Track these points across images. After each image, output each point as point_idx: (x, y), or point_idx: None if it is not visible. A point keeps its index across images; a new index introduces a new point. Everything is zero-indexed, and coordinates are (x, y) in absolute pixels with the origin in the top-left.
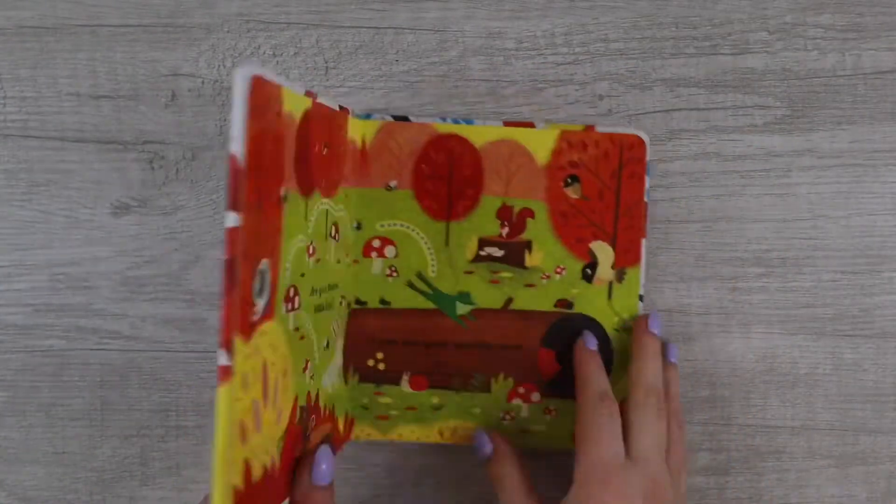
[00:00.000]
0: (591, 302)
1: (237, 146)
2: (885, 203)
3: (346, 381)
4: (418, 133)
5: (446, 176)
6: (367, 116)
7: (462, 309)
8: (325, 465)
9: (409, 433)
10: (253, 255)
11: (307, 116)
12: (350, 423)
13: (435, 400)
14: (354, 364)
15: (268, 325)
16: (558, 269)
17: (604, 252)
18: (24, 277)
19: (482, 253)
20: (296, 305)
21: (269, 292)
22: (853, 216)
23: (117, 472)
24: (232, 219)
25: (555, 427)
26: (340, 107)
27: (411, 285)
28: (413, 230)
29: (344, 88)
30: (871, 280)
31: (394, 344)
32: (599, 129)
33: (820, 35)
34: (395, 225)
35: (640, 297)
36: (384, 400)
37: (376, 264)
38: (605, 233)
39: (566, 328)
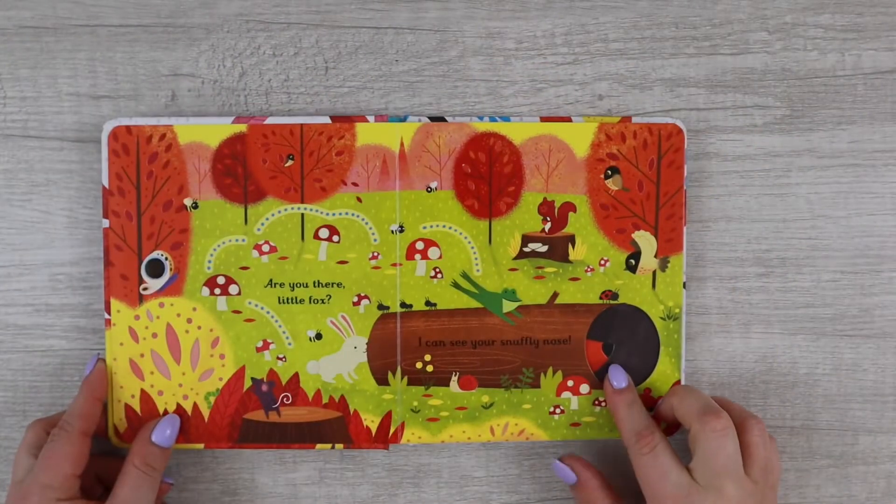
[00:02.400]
0: (636, 292)
1: (104, 178)
2: (885, 203)
3: (380, 382)
4: (457, 133)
5: (487, 174)
6: (404, 119)
7: (508, 306)
8: (169, 430)
9: (460, 433)
10: (134, 248)
11: (234, 140)
12: (401, 427)
13: (485, 398)
14: (403, 367)
15: (173, 300)
16: (602, 262)
17: (647, 242)
18: (24, 277)
19: (526, 249)
20: (231, 292)
21: (168, 275)
22: (853, 216)
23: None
24: (105, 223)
25: (605, 417)
26: (333, 117)
27: (456, 285)
28: (456, 230)
29: (344, 88)
30: (871, 280)
31: (441, 345)
32: (636, 119)
33: (820, 35)
34: (437, 226)
35: (684, 285)
36: (434, 402)
37: (420, 266)
38: (647, 223)
39: (612, 319)
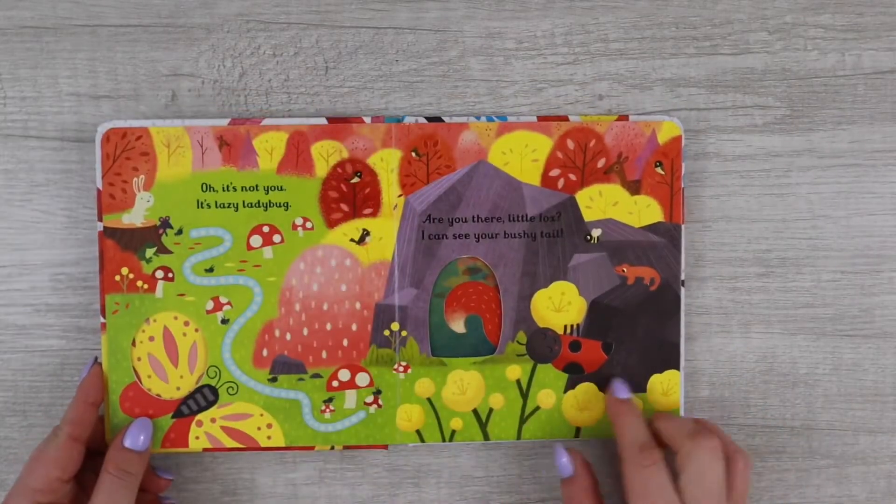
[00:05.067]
0: None
1: (98, 180)
2: (885, 203)
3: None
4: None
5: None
6: (401, 119)
7: None
8: (142, 435)
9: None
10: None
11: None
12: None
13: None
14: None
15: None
16: None
17: None
18: (24, 277)
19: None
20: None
21: None
22: (853, 216)
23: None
24: (99, 226)
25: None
26: (330, 119)
27: None
28: None
29: (344, 88)
30: (871, 280)
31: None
32: (633, 118)
33: (820, 35)
34: None
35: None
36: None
37: None
38: None
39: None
